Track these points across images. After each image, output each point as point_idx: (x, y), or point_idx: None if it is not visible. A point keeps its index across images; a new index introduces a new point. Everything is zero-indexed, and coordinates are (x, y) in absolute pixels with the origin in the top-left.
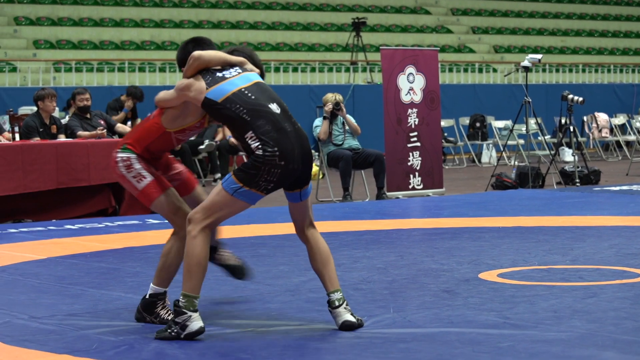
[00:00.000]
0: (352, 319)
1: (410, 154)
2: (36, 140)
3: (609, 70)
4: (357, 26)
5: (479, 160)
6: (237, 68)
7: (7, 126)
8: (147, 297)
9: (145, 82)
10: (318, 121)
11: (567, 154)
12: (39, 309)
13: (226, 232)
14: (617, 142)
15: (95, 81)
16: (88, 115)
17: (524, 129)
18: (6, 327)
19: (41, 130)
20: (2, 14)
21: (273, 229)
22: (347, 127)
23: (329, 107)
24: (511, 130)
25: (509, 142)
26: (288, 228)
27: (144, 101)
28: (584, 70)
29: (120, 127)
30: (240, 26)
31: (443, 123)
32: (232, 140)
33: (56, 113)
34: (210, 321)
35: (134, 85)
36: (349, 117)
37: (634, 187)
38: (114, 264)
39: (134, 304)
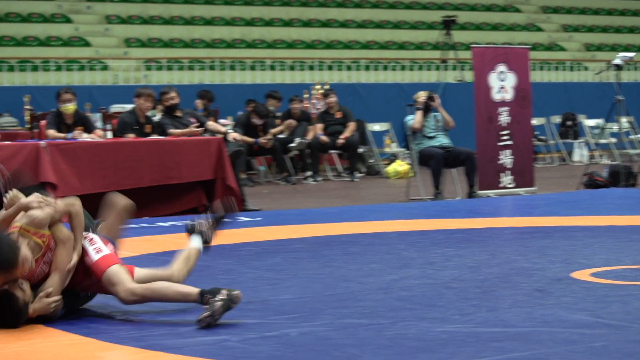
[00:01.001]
0: None
1: (502, 152)
2: (130, 137)
3: None
4: (447, 24)
5: (571, 159)
6: None
7: (99, 124)
8: None
9: (235, 80)
10: (410, 117)
11: None
12: (131, 306)
13: (318, 230)
14: None
15: (186, 79)
16: (178, 114)
17: (615, 127)
18: (98, 324)
19: (136, 128)
20: (94, 13)
21: (364, 227)
22: (439, 124)
23: (422, 98)
24: (603, 129)
25: (601, 141)
26: (379, 226)
27: (215, 101)
28: None
29: (211, 125)
30: (330, 24)
31: (534, 121)
32: (323, 138)
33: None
34: (301, 319)
35: (205, 89)
36: (443, 110)
37: None
38: (206, 261)
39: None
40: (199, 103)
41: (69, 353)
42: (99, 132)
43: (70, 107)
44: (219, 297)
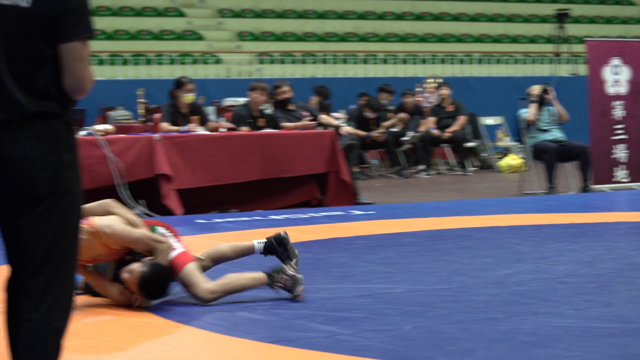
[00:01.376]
0: None
1: (616, 146)
2: (244, 130)
3: None
4: (561, 17)
5: None
6: None
7: (212, 117)
8: None
9: (348, 73)
10: (524, 110)
11: None
12: (245, 298)
13: (431, 223)
14: None
15: (299, 73)
16: (290, 107)
17: None
18: (214, 316)
19: (249, 121)
20: (207, 7)
21: (477, 221)
22: (553, 118)
23: (537, 91)
24: None
25: None
26: (492, 220)
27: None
28: None
29: (324, 118)
30: (443, 18)
31: None
32: (435, 131)
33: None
34: (414, 312)
35: (322, 85)
36: (557, 103)
37: None
38: (319, 254)
39: (339, 294)
40: (314, 100)
41: (186, 345)
42: (212, 124)
43: (190, 97)
44: (290, 271)
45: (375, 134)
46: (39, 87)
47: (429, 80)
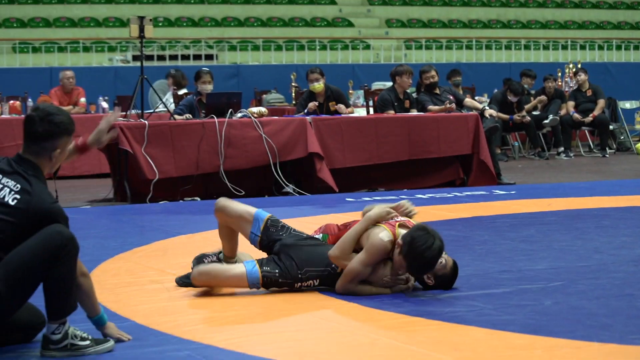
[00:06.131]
0: None
1: None
2: (390, 113)
3: None
4: None
5: None
6: None
7: (360, 100)
8: None
9: (491, 59)
10: None
11: None
12: None
13: (571, 203)
14: None
15: (444, 58)
16: (436, 91)
17: None
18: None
19: (395, 104)
20: None
21: (616, 201)
22: None
23: None
24: None
25: None
26: (631, 200)
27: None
28: None
29: (469, 101)
30: (583, 5)
31: None
32: (576, 115)
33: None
34: (555, 288)
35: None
36: None
37: None
38: (463, 232)
39: (483, 271)
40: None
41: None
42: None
43: (317, 86)
44: None
45: (517, 117)
46: None
47: (569, 66)
